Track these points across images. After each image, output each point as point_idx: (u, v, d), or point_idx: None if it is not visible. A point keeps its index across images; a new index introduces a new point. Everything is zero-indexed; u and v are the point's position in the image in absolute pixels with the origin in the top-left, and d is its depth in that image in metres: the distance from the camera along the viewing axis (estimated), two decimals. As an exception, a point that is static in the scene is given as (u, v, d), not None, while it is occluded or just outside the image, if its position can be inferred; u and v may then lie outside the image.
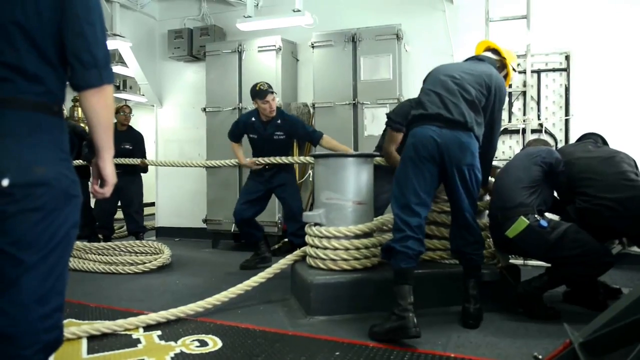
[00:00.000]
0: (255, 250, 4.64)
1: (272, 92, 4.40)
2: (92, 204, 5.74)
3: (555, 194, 3.31)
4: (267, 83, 4.47)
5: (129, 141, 5.69)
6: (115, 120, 5.61)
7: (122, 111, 5.73)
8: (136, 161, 5.53)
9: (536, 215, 2.91)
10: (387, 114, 3.70)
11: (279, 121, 4.50)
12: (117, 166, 5.27)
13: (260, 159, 4.52)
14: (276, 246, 5.34)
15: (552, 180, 3.13)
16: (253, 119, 4.53)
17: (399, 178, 2.78)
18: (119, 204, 5.77)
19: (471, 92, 2.80)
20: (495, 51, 3.19)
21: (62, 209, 1.46)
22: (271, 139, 4.50)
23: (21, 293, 1.41)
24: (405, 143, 2.89)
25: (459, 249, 2.92)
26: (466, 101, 2.78)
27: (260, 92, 4.37)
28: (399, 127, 3.47)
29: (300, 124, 4.61)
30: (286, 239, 5.16)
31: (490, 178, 3.28)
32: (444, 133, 2.71)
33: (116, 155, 5.26)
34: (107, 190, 1.61)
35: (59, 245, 1.47)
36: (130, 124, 5.93)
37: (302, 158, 4.71)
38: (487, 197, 3.42)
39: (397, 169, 2.84)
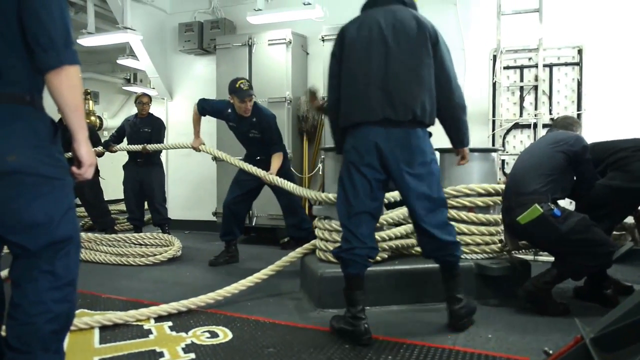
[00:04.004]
0: (226, 248, 4.56)
1: (252, 95, 4.23)
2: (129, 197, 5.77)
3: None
4: (248, 82, 4.30)
5: (148, 125, 5.68)
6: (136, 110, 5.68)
7: (140, 101, 5.68)
8: (138, 147, 5.33)
9: (550, 204, 2.89)
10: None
11: (254, 119, 4.31)
12: (138, 157, 5.41)
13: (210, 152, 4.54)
14: (285, 239, 5.35)
15: (576, 169, 3.07)
16: (229, 110, 4.36)
17: (345, 184, 2.56)
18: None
19: (419, 72, 2.43)
20: None
21: (47, 193, 1.52)
22: (247, 136, 4.39)
23: (31, 267, 1.53)
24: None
25: (430, 255, 2.67)
26: (417, 86, 2.44)
27: (239, 91, 4.18)
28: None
29: (270, 131, 4.36)
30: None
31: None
32: (390, 134, 2.44)
33: (137, 140, 5.40)
34: (84, 171, 1.60)
35: (60, 225, 1.55)
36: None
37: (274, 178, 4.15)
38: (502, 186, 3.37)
39: (342, 173, 2.61)
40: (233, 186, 4.52)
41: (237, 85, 4.20)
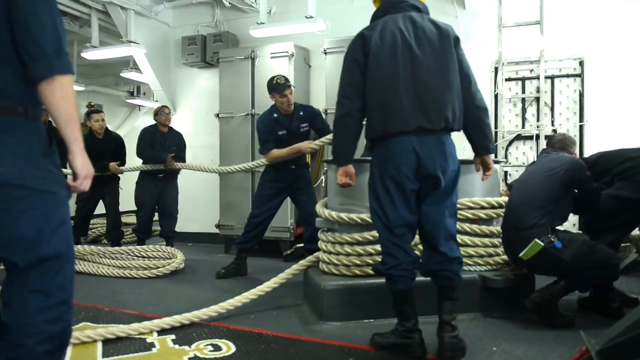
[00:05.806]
0: (236, 260, 4.53)
1: (290, 86, 4.24)
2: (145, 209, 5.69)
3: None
4: (284, 76, 4.29)
5: (174, 144, 5.61)
6: (155, 122, 5.61)
7: (162, 112, 5.62)
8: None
9: (550, 236, 2.88)
10: None
11: (301, 113, 4.37)
12: (159, 173, 5.39)
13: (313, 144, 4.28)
14: (288, 252, 5.35)
15: (577, 189, 3.06)
16: (275, 115, 4.30)
17: (381, 199, 2.46)
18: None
19: (448, 77, 2.42)
20: None
21: (37, 207, 1.48)
22: (298, 132, 4.34)
23: (21, 286, 1.49)
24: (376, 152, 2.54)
25: (431, 270, 2.52)
26: (448, 92, 2.41)
27: (278, 86, 4.18)
28: None
29: (320, 116, 4.54)
30: (299, 245, 5.16)
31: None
32: (425, 142, 2.39)
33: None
34: (79, 184, 1.58)
35: (51, 240, 1.51)
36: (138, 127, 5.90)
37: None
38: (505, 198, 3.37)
39: (375, 187, 2.49)
40: (259, 199, 4.48)
41: (274, 82, 4.21)
